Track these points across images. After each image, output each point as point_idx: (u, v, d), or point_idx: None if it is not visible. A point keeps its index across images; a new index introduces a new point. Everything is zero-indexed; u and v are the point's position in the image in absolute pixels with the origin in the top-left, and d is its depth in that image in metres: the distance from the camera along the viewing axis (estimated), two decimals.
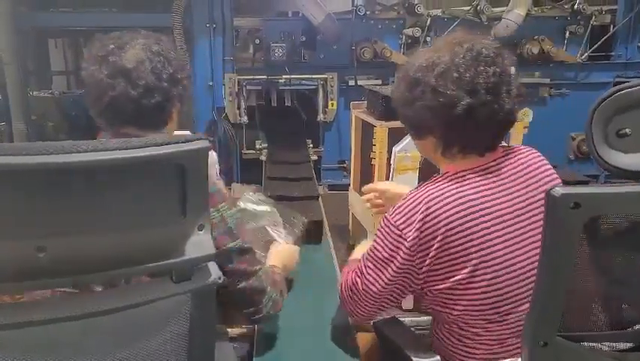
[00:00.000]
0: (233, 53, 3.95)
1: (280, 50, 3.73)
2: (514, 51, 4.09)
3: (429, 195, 1.19)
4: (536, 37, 4.05)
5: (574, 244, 0.86)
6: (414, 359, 1.23)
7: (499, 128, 1.24)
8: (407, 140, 1.88)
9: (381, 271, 1.22)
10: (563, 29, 4.17)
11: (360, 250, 1.45)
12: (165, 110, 1.29)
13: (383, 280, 1.23)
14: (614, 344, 0.99)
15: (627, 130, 0.88)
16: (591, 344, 0.97)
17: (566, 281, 0.89)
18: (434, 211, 1.17)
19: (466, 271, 1.17)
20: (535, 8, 4.11)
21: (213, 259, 0.80)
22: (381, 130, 2.07)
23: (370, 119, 2.20)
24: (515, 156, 1.30)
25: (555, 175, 1.30)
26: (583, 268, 0.93)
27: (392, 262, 1.21)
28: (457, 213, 1.16)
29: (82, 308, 0.72)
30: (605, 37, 4.16)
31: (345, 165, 4.11)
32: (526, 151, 1.33)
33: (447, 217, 1.16)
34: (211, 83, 3.96)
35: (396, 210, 1.22)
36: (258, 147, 3.99)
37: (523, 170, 1.27)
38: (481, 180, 1.22)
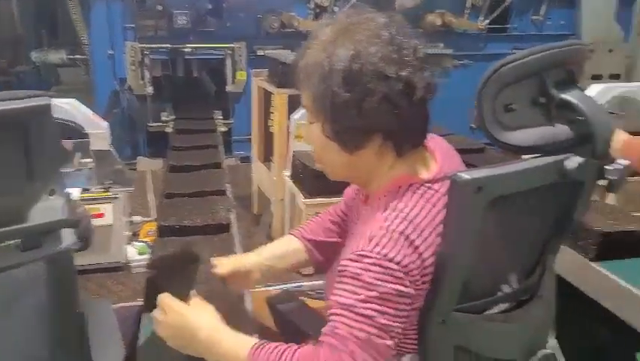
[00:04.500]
0: (134, 20, 3.77)
1: (184, 17, 3.61)
2: (418, 23, 4.20)
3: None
4: (438, 10, 4.18)
5: (476, 226, 0.87)
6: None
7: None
8: None
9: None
10: (463, 1, 4.32)
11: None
12: None
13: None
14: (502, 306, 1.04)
15: (513, 105, 0.89)
16: (489, 312, 1.00)
17: (467, 261, 0.90)
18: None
19: None
20: None
21: (68, 225, 0.76)
22: (279, 97, 2.06)
23: (270, 87, 2.18)
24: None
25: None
26: (483, 245, 0.96)
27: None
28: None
29: None
30: (500, 8, 4.35)
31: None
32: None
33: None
34: (111, 52, 3.77)
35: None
36: (164, 119, 3.86)
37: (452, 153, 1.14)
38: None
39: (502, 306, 1.06)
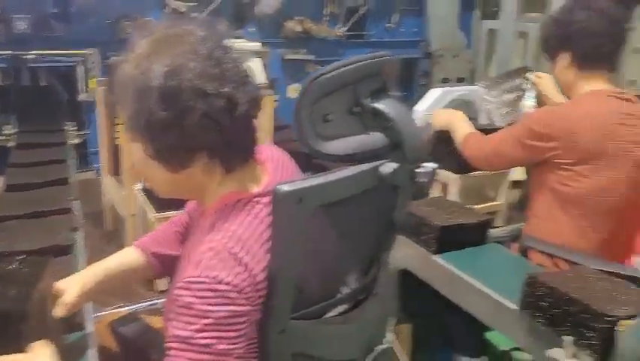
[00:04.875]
0: None
1: (24, 22, 3.32)
2: (279, 30, 4.26)
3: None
4: (297, 17, 4.26)
5: (301, 236, 0.88)
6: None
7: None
8: None
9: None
10: (321, 9, 4.45)
11: None
12: None
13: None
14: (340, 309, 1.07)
15: (329, 116, 0.91)
16: (329, 315, 1.03)
17: (297, 272, 0.91)
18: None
19: None
20: None
21: None
22: None
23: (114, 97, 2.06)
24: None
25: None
26: (314, 253, 0.97)
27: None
28: None
29: None
30: (356, 16, 4.55)
31: None
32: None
33: None
34: None
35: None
36: (6, 132, 3.52)
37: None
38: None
39: (342, 308, 1.09)
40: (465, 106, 2.71)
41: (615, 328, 1.11)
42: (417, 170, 0.92)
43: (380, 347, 1.12)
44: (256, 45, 2.29)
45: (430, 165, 0.92)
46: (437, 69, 5.01)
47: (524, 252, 1.76)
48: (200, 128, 0.89)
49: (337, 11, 4.47)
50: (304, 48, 4.45)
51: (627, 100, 1.71)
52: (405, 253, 1.79)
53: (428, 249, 1.67)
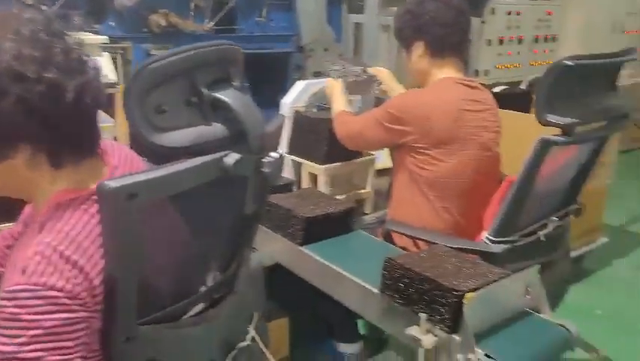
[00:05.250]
0: None
1: None
2: (143, 23, 4.05)
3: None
4: (161, 10, 4.08)
5: (136, 234, 0.82)
6: None
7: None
8: None
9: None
10: (187, 1, 4.30)
11: None
12: None
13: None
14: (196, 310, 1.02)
15: (164, 106, 0.86)
16: (187, 316, 0.98)
17: (136, 274, 0.85)
18: None
19: None
20: None
21: None
22: None
23: None
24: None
25: None
26: (157, 252, 0.92)
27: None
28: None
29: None
30: (224, 10, 4.46)
31: None
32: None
33: None
34: None
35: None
36: None
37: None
38: None
39: (199, 308, 1.05)
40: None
41: (463, 301, 1.19)
42: (263, 160, 0.90)
43: (241, 345, 1.09)
44: (102, 38, 2.14)
45: (275, 154, 0.91)
46: (310, 63, 5.07)
47: (389, 236, 1.82)
48: (16, 115, 0.82)
49: (203, 5, 4.35)
50: (171, 43, 4.26)
51: (474, 87, 1.84)
52: (274, 247, 1.78)
53: (295, 241, 1.67)
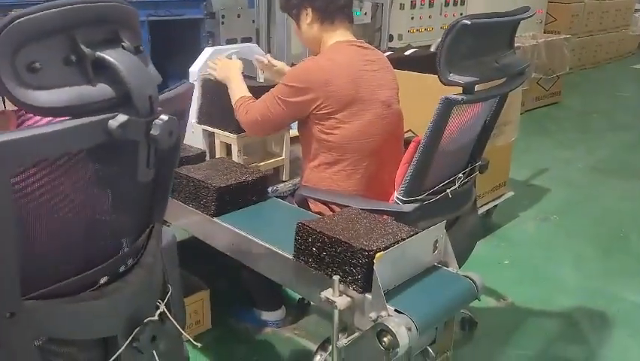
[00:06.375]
0: None
1: None
2: None
3: None
4: None
5: (7, 203, 0.74)
6: None
7: None
8: None
9: None
10: None
11: None
12: None
13: None
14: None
15: (37, 64, 0.78)
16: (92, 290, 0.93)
17: (15, 241, 0.78)
18: None
19: None
20: None
21: None
22: None
23: None
24: None
25: None
26: (35, 219, 0.84)
27: None
28: None
29: None
30: None
31: None
32: None
33: None
34: None
35: None
36: None
37: None
38: None
39: (103, 281, 1.00)
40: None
41: (373, 260, 1.21)
42: (153, 123, 0.85)
43: (149, 319, 1.05)
44: None
45: (164, 117, 0.86)
46: (222, 30, 4.91)
47: (304, 203, 1.82)
48: None
49: None
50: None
51: (366, 48, 1.86)
52: (188, 220, 1.73)
53: (207, 212, 1.63)
